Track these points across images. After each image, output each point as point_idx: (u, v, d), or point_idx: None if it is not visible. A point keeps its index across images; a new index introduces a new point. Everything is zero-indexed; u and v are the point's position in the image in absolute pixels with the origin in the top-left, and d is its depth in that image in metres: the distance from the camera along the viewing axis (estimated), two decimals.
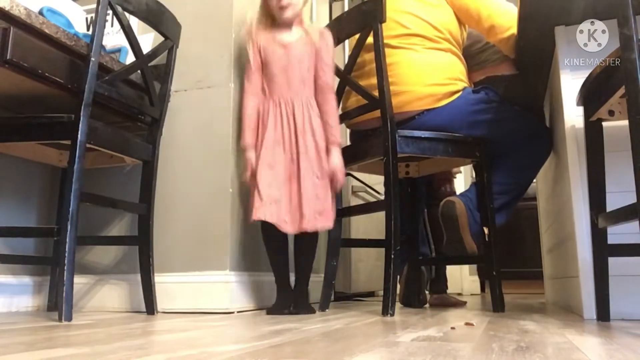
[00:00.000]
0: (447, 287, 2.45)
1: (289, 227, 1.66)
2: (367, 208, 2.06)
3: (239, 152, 1.92)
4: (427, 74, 1.87)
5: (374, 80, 1.76)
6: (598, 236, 1.41)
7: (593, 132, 1.45)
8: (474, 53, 2.15)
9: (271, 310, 1.72)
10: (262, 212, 1.64)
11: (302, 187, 1.67)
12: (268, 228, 1.70)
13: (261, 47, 1.79)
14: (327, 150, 1.74)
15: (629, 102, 1.13)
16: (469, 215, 1.88)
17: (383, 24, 1.73)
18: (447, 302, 2.31)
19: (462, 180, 3.93)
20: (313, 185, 1.68)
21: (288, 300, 1.74)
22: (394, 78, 1.82)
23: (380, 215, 1.71)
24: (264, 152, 1.70)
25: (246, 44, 1.82)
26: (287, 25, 1.81)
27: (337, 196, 1.89)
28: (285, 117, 1.73)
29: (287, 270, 1.81)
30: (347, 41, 2.53)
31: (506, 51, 2.00)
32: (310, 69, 1.79)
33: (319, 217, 1.67)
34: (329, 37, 1.83)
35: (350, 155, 1.90)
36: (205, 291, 1.79)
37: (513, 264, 3.72)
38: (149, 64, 1.73)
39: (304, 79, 1.77)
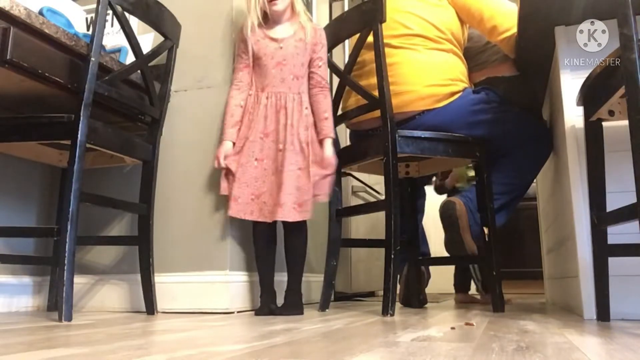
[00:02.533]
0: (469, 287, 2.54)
1: (268, 217, 1.69)
2: (367, 208, 2.06)
3: None
4: (428, 75, 1.87)
5: (373, 80, 1.75)
6: (598, 236, 1.41)
7: (593, 132, 1.45)
8: (474, 53, 2.16)
9: (258, 312, 1.70)
10: (243, 210, 1.70)
11: (284, 178, 1.67)
12: (260, 224, 1.74)
13: (253, 43, 1.79)
14: (320, 143, 1.77)
15: (629, 102, 1.13)
16: (469, 216, 1.88)
17: (384, 24, 1.73)
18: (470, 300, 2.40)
19: None
20: (296, 177, 1.69)
21: (272, 297, 1.74)
22: (395, 78, 1.82)
23: (380, 215, 1.71)
24: (251, 146, 1.73)
25: (238, 40, 1.84)
26: (279, 20, 1.81)
27: (337, 194, 1.90)
28: (276, 111, 1.75)
29: (272, 270, 1.79)
30: (347, 41, 2.53)
31: (507, 51, 2.00)
32: (304, 65, 1.80)
33: (298, 208, 1.68)
34: (322, 33, 1.86)
35: (350, 155, 1.90)
36: (205, 291, 1.79)
37: (513, 264, 3.72)
38: (149, 64, 1.73)
39: (297, 75, 1.79)
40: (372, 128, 1.90)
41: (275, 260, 1.81)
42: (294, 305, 1.71)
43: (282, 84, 1.77)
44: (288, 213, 1.66)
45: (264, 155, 1.73)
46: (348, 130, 2.24)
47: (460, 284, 2.58)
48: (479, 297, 2.55)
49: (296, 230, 1.75)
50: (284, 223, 1.75)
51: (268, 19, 1.82)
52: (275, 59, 1.78)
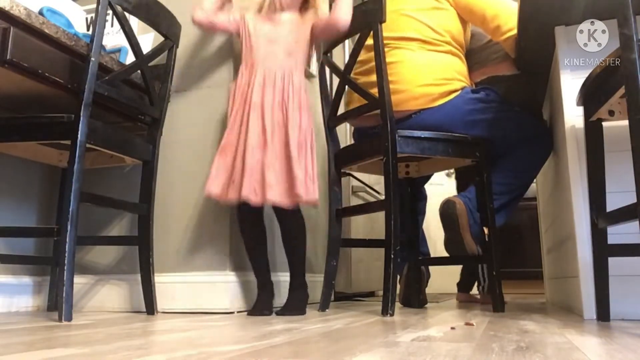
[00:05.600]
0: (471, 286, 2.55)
1: (258, 198, 1.60)
2: (367, 208, 2.05)
3: None
4: (422, 74, 1.88)
5: (373, 78, 1.76)
6: (598, 236, 1.41)
7: (593, 132, 1.44)
8: (475, 51, 2.16)
9: (251, 312, 1.68)
10: (221, 193, 1.61)
11: (278, 159, 1.62)
12: (243, 211, 1.69)
13: (247, 21, 1.78)
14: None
15: (629, 102, 1.13)
16: (469, 216, 1.88)
17: (384, 25, 1.73)
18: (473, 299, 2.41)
19: None
20: (288, 159, 1.63)
21: (269, 298, 1.71)
22: (394, 77, 1.83)
23: (380, 215, 1.71)
24: (240, 120, 1.67)
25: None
26: (287, 9, 1.79)
27: (337, 195, 1.89)
28: (270, 87, 1.69)
29: (266, 263, 1.76)
30: (347, 41, 2.53)
31: (510, 51, 2.00)
32: (298, 41, 1.77)
33: (288, 193, 1.61)
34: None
35: (350, 155, 1.90)
36: (205, 291, 1.79)
37: (513, 264, 3.72)
38: (149, 64, 1.73)
39: (290, 51, 1.75)
40: (374, 125, 1.90)
41: (267, 251, 1.77)
42: (294, 306, 1.67)
43: (275, 61, 1.73)
44: (278, 197, 1.58)
45: (255, 127, 1.64)
46: (349, 129, 2.24)
47: (463, 283, 2.59)
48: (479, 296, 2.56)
49: (289, 216, 1.69)
50: (276, 211, 1.69)
51: (273, 7, 1.80)
52: (268, 36, 1.76)
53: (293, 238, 1.74)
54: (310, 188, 1.64)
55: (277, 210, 1.69)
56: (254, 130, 1.64)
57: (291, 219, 1.71)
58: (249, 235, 1.75)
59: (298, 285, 1.74)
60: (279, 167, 1.62)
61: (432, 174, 2.36)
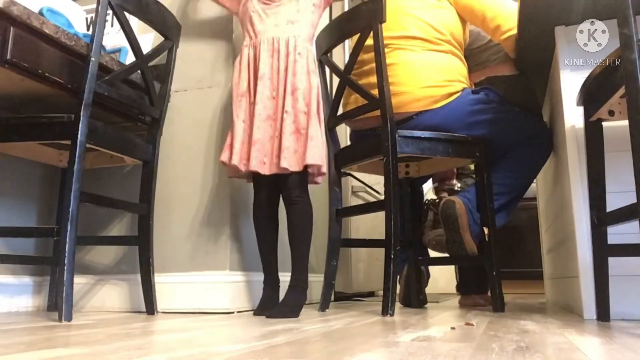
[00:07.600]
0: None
1: (266, 168, 1.65)
2: (367, 208, 2.05)
3: None
4: (424, 76, 1.87)
5: (372, 79, 1.75)
6: (598, 236, 1.41)
7: (593, 132, 1.45)
8: (475, 52, 2.15)
9: (256, 311, 1.69)
10: (237, 161, 1.66)
11: (284, 126, 1.64)
12: (260, 200, 1.73)
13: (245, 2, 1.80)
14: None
15: (629, 102, 1.13)
16: (468, 216, 1.88)
17: (383, 24, 1.73)
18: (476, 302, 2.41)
19: None
20: (293, 125, 1.66)
21: (274, 297, 1.71)
22: (393, 78, 1.82)
23: (380, 215, 1.71)
24: (256, 90, 1.69)
25: None
26: None
27: (337, 194, 1.89)
28: (270, 56, 1.71)
29: (275, 259, 1.76)
30: (347, 41, 2.54)
31: (509, 51, 1.99)
32: (300, 11, 1.77)
33: (294, 155, 1.64)
34: None
35: (350, 155, 1.90)
36: (205, 291, 1.79)
37: (513, 264, 3.72)
38: (149, 64, 1.73)
39: (291, 20, 1.75)
40: (372, 127, 1.90)
41: (277, 249, 1.77)
42: (287, 308, 1.59)
43: (276, 29, 1.74)
44: (291, 165, 1.62)
45: (259, 99, 1.67)
46: (348, 130, 2.24)
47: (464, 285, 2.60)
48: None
49: (299, 203, 1.68)
50: (285, 197, 1.70)
51: None
52: (268, 10, 1.76)
53: (300, 228, 1.69)
54: (322, 154, 1.69)
55: (287, 196, 1.69)
56: (262, 101, 1.67)
57: (301, 206, 1.69)
58: (263, 225, 1.76)
59: (297, 283, 1.66)
60: (291, 134, 1.65)
61: (431, 174, 2.36)
